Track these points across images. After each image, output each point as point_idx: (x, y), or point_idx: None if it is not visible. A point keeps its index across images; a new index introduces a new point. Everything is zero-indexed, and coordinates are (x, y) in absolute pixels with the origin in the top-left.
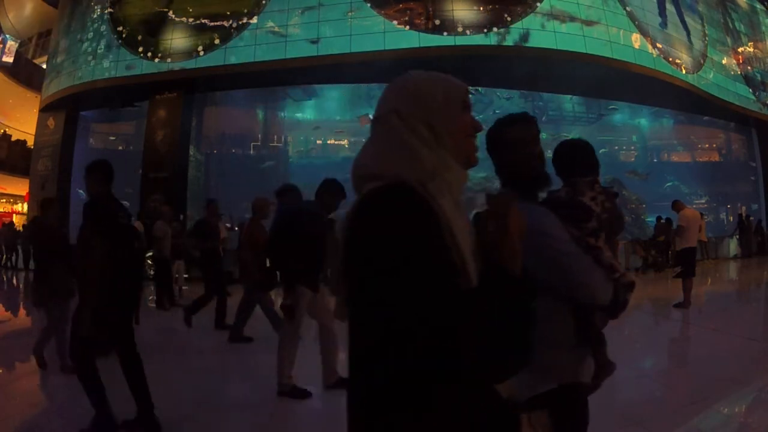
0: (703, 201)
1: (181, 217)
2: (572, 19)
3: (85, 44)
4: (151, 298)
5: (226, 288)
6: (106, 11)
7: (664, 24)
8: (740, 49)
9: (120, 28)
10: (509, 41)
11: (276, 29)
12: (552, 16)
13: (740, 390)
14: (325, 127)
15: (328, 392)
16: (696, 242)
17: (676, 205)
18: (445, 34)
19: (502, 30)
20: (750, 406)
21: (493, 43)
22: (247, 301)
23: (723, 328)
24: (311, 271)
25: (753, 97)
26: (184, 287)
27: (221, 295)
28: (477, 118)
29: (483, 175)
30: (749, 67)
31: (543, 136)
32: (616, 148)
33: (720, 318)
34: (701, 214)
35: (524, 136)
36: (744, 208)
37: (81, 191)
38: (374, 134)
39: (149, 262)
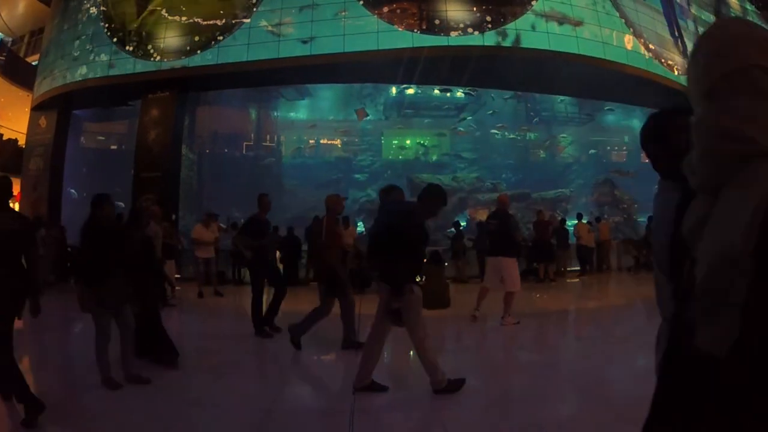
0: None
1: (173, 217)
2: (565, 20)
3: (78, 42)
4: None
5: (284, 283)
6: (99, 9)
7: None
8: None
9: (113, 27)
10: (506, 42)
11: (269, 28)
12: (545, 16)
13: None
14: (319, 127)
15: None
16: None
17: None
18: (441, 33)
19: (496, 31)
20: None
21: (489, 44)
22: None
23: None
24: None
25: None
26: (176, 287)
27: (281, 291)
28: (470, 118)
29: (475, 175)
30: None
31: (533, 136)
32: (608, 148)
33: None
34: None
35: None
36: None
37: (73, 191)
38: (731, 94)
39: None
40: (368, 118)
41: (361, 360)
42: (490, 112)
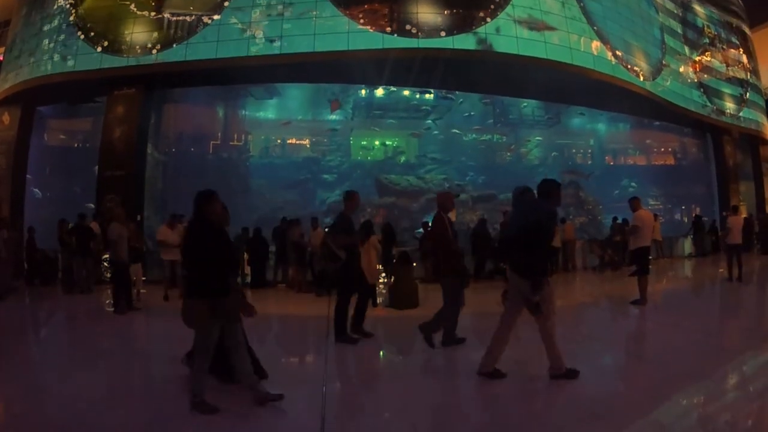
0: (658, 203)
1: (138, 218)
2: (534, 25)
3: (44, 36)
4: (108, 302)
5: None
6: (66, 3)
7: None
8: (697, 58)
9: (80, 21)
10: (477, 46)
11: (239, 26)
12: (514, 21)
13: (697, 383)
14: (288, 126)
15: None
16: (650, 241)
17: (634, 203)
18: (418, 34)
19: (467, 34)
20: (707, 397)
21: (459, 47)
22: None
23: (679, 324)
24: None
25: (708, 104)
26: (142, 291)
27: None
28: (440, 121)
29: (443, 176)
30: (705, 75)
31: (502, 139)
32: (573, 151)
33: (676, 314)
34: (655, 215)
35: None
36: (698, 209)
37: (36, 190)
38: None
39: (105, 264)
40: (340, 109)
41: (488, 348)
42: (467, 114)
